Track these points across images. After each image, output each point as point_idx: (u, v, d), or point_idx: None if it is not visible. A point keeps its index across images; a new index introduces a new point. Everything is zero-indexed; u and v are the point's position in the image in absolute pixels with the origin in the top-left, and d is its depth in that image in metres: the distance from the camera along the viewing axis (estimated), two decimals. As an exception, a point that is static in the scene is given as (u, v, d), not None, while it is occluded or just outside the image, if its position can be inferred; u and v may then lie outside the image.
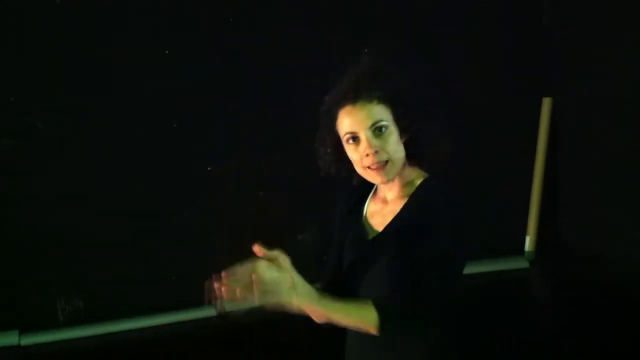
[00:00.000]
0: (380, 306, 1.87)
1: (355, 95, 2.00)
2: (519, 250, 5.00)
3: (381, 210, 2.08)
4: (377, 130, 1.99)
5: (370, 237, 2.06)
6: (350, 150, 2.03)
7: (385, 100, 2.00)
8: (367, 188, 2.15)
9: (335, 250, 2.18)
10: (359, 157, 2.00)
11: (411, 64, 2.08)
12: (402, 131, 2.02)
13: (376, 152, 1.97)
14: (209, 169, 4.34)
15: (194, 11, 4.19)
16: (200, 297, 4.26)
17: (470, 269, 4.70)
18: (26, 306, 4.20)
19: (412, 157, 2.05)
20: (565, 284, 4.70)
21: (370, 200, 2.14)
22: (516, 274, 4.86)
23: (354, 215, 2.14)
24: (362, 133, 1.99)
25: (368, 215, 2.11)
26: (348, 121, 2.01)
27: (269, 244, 4.10)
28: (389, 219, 2.04)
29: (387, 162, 1.99)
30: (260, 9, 4.29)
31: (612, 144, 4.70)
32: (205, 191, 4.35)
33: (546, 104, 4.93)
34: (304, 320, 1.93)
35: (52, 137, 4.10)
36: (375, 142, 1.98)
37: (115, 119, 4.16)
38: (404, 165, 2.05)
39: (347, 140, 2.02)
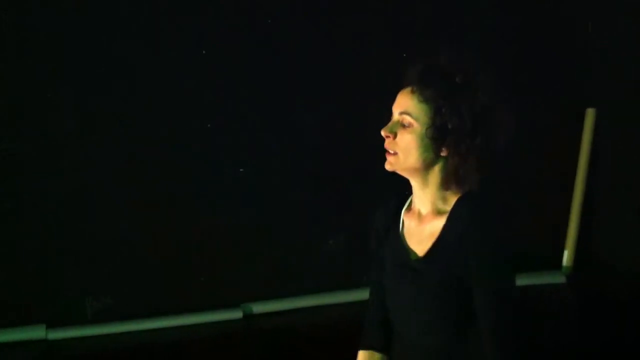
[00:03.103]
0: None
1: (413, 80, 1.93)
2: (557, 264, 4.91)
3: (417, 228, 1.98)
4: (402, 121, 1.93)
5: (412, 257, 1.97)
6: None
7: (431, 102, 1.91)
8: (400, 200, 2.07)
9: (377, 268, 2.08)
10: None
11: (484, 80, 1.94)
12: (435, 141, 1.91)
13: (388, 137, 1.93)
14: (240, 170, 4.31)
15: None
16: (228, 299, 4.31)
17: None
18: (55, 302, 4.19)
19: (447, 174, 1.94)
20: (602, 300, 4.60)
21: (404, 214, 2.04)
22: (553, 288, 4.76)
23: (392, 232, 2.04)
24: (394, 116, 1.95)
25: (405, 232, 2.01)
26: (396, 99, 1.96)
27: (298, 249, 4.11)
28: (428, 240, 1.95)
29: (395, 155, 1.93)
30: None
31: None
32: (234, 192, 4.31)
33: (589, 115, 4.85)
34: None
35: (80, 138, 4.09)
36: (395, 128, 1.93)
37: (140, 121, 4.15)
38: (431, 175, 1.95)
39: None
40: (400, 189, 2.05)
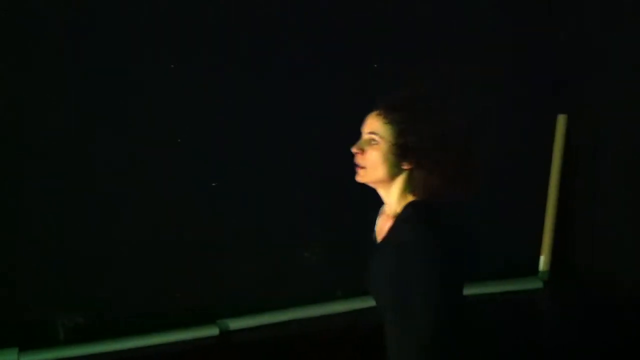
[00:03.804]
0: None
1: (381, 106, 2.27)
2: (533, 270, 4.94)
3: (383, 225, 2.31)
4: (369, 140, 2.25)
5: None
6: None
7: (394, 125, 2.22)
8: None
9: None
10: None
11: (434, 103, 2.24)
12: (398, 157, 2.22)
13: (357, 153, 2.25)
14: (213, 184, 4.28)
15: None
16: (204, 315, 4.26)
17: (484, 289, 4.63)
18: (26, 323, 4.11)
19: (408, 185, 2.25)
20: (578, 304, 4.63)
21: (379, 217, 2.37)
22: (530, 294, 4.79)
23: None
24: (364, 134, 2.27)
25: (377, 228, 2.36)
26: (365, 121, 2.29)
27: (273, 263, 4.05)
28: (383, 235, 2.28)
29: (364, 168, 2.25)
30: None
31: (629, 164, 4.66)
32: (207, 208, 4.27)
33: (561, 121, 4.89)
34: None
35: (54, 146, 4.02)
36: (363, 145, 2.25)
37: (126, 130, 4.10)
38: (400, 187, 2.24)
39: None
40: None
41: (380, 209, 2.37)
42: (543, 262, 4.94)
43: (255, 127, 4.28)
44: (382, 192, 2.28)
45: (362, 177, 2.26)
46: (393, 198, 2.26)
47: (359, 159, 2.23)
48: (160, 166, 4.16)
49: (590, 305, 4.56)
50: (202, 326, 4.26)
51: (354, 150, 2.23)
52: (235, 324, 4.35)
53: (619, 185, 4.75)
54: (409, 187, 2.24)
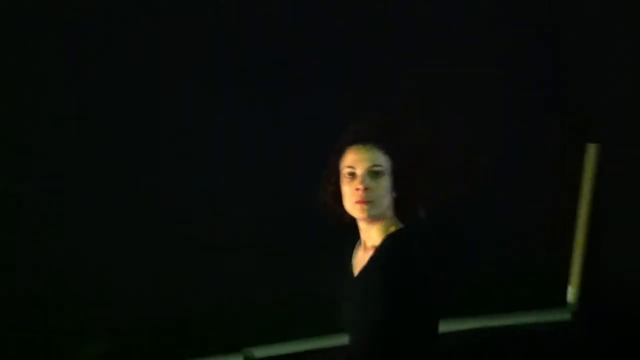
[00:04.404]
0: None
1: (365, 138, 2.29)
2: (562, 301, 4.88)
3: (361, 258, 2.33)
4: (374, 173, 2.25)
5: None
6: (345, 184, 2.29)
7: (389, 152, 2.28)
8: (354, 241, 2.41)
9: None
10: (351, 191, 2.26)
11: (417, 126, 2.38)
12: (395, 185, 2.28)
13: (366, 189, 2.23)
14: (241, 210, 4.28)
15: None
16: (229, 343, 4.25)
17: (512, 320, 4.58)
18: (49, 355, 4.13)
19: (397, 211, 2.30)
20: (608, 337, 4.57)
21: (357, 248, 2.41)
22: (558, 326, 4.73)
23: (347, 266, 2.40)
24: (360, 170, 2.26)
25: (357, 261, 2.37)
26: (352, 157, 2.28)
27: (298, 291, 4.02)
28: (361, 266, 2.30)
29: (372, 202, 2.23)
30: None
31: None
32: (233, 233, 4.27)
33: (591, 150, 4.86)
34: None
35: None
36: (368, 181, 2.23)
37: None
38: (388, 215, 2.29)
39: (346, 175, 2.28)
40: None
41: (356, 246, 2.37)
42: (571, 293, 4.90)
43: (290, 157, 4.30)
44: (369, 225, 2.28)
45: (370, 210, 2.23)
46: (378, 227, 2.27)
47: (365, 195, 2.21)
48: (183, 197, 4.18)
49: (620, 338, 4.51)
50: (227, 354, 4.28)
51: (362, 186, 2.21)
52: (261, 352, 4.36)
53: None
54: (395, 213, 2.29)
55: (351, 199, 2.25)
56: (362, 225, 2.31)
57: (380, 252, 2.22)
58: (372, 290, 2.18)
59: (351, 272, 2.35)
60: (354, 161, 2.26)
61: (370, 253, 2.27)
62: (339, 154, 2.32)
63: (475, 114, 4.46)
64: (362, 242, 2.36)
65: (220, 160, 4.22)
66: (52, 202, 3.97)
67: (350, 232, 2.33)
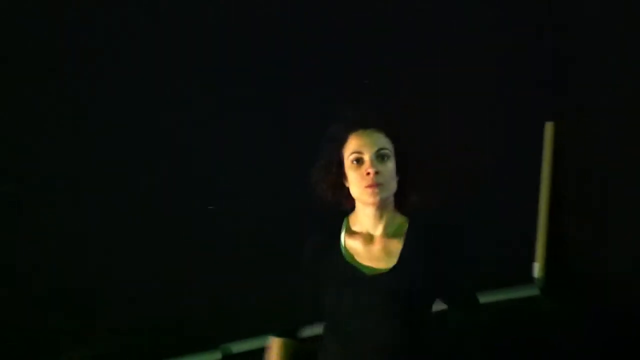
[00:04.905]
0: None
1: (366, 123, 2.29)
2: (528, 277, 4.95)
3: (368, 248, 2.31)
4: (381, 156, 2.27)
5: (368, 272, 2.28)
6: (352, 170, 2.28)
7: (390, 135, 2.29)
8: (331, 232, 2.37)
9: (311, 286, 2.40)
10: (360, 176, 2.24)
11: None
12: (398, 169, 2.31)
13: (376, 172, 2.22)
14: (210, 207, 4.28)
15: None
16: (206, 340, 4.24)
17: (480, 299, 4.63)
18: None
19: (398, 198, 2.32)
20: (576, 310, 4.62)
21: (347, 240, 2.35)
22: (526, 302, 4.77)
23: (332, 257, 2.34)
24: (367, 155, 2.26)
25: (355, 256, 2.31)
26: (356, 143, 2.29)
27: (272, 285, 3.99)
28: (388, 256, 2.28)
29: (382, 184, 2.23)
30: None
31: (620, 167, 4.67)
32: (209, 229, 4.27)
33: (549, 128, 4.90)
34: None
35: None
36: (377, 164, 2.24)
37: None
38: (392, 202, 2.31)
39: (352, 161, 2.28)
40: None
41: (318, 238, 2.36)
42: (538, 268, 4.97)
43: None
44: (376, 209, 2.27)
45: (381, 193, 2.23)
46: (387, 214, 2.28)
47: (376, 178, 2.21)
48: (160, 192, 4.15)
49: (587, 310, 4.56)
50: (205, 352, 4.28)
51: (371, 170, 2.21)
52: (238, 347, 4.36)
53: (610, 189, 4.77)
54: (398, 200, 2.31)
55: (361, 184, 2.24)
56: (368, 212, 2.29)
57: (428, 237, 2.27)
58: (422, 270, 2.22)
59: (345, 269, 2.30)
60: (360, 146, 2.25)
61: (388, 244, 2.26)
62: (340, 141, 2.31)
63: (439, 96, 4.48)
64: (356, 233, 2.32)
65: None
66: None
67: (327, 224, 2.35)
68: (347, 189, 2.31)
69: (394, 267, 2.27)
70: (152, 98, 4.03)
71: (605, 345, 4.26)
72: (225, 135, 4.22)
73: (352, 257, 2.32)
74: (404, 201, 2.33)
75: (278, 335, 2.33)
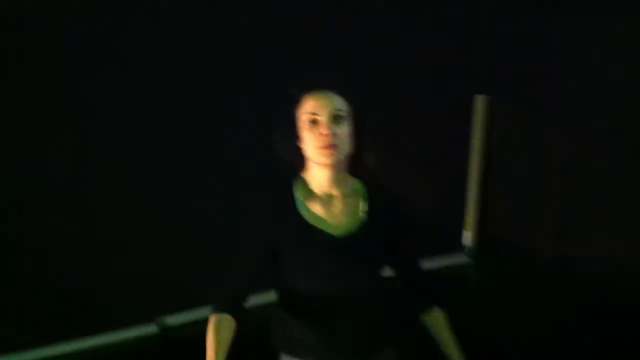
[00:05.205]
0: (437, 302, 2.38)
1: (322, 84, 2.24)
2: (459, 246, 5.06)
3: (330, 209, 2.27)
4: (336, 118, 2.20)
5: (338, 234, 2.25)
6: (308, 131, 2.22)
7: (346, 96, 2.24)
8: (284, 195, 2.31)
9: (266, 257, 2.28)
10: (315, 137, 2.20)
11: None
12: (353, 131, 2.24)
13: (332, 134, 2.17)
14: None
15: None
16: (142, 314, 4.21)
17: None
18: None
19: (351, 160, 2.27)
20: (505, 277, 4.77)
21: (306, 202, 2.28)
22: (457, 269, 4.92)
23: (291, 221, 2.27)
24: (323, 116, 2.20)
25: (321, 215, 2.27)
26: (312, 104, 2.22)
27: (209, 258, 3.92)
28: (352, 215, 2.27)
29: (337, 146, 2.19)
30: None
31: (547, 139, 4.78)
32: (143, 203, 4.20)
33: (480, 101, 4.98)
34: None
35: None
36: (332, 126, 2.19)
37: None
38: (345, 164, 2.26)
39: (308, 122, 2.21)
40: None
41: (272, 202, 2.29)
42: (468, 238, 5.07)
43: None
44: (334, 170, 2.24)
45: (335, 155, 2.20)
46: (343, 175, 2.26)
47: (331, 139, 2.17)
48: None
49: (515, 277, 4.73)
50: (140, 325, 4.29)
51: (327, 132, 2.17)
52: (174, 319, 4.36)
53: (536, 160, 4.87)
54: (351, 161, 2.26)
55: (315, 145, 2.21)
56: (323, 174, 2.27)
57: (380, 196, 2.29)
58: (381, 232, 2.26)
59: (309, 232, 2.25)
60: (316, 107, 2.22)
61: (350, 202, 2.27)
62: (296, 103, 2.26)
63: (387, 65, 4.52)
64: (314, 195, 2.29)
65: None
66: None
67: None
68: (301, 150, 2.26)
69: (363, 225, 2.26)
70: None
71: (534, 308, 4.40)
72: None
73: (315, 219, 2.27)
74: (358, 163, 2.29)
75: (217, 310, 2.26)
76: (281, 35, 4.15)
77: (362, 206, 2.28)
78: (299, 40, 4.15)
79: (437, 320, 2.39)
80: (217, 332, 2.18)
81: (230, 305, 2.24)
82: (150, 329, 4.32)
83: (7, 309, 4.00)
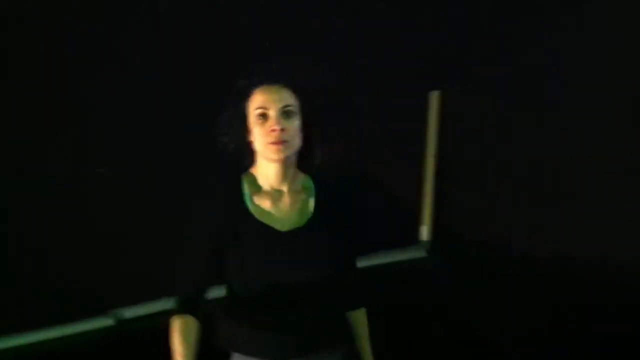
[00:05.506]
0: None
1: (272, 79, 2.22)
2: (415, 240, 5.07)
3: (278, 205, 2.25)
4: (286, 113, 2.18)
5: (284, 229, 2.23)
6: (257, 125, 2.20)
7: (296, 91, 2.22)
8: (232, 192, 2.29)
9: (209, 255, 2.26)
10: (265, 132, 2.17)
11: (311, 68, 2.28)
12: (303, 126, 2.22)
13: (282, 129, 2.15)
14: (100, 170, 4.12)
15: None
16: (97, 306, 4.14)
17: (369, 261, 4.57)
18: None
19: (301, 155, 2.26)
20: (462, 271, 4.79)
21: (255, 198, 2.26)
22: (414, 263, 4.93)
23: (241, 217, 2.25)
24: (273, 111, 2.18)
25: (264, 212, 2.24)
26: (262, 98, 2.20)
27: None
28: (300, 211, 2.25)
29: (287, 142, 2.17)
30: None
31: (501, 132, 4.83)
32: (96, 194, 4.15)
33: (434, 97, 5.02)
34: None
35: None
36: (282, 121, 2.16)
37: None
38: (295, 159, 2.25)
39: (257, 116, 2.20)
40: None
41: (221, 199, 2.25)
42: (425, 232, 5.09)
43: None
44: (282, 165, 2.21)
45: (286, 151, 2.17)
46: (291, 171, 2.23)
47: (281, 135, 2.14)
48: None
49: (473, 270, 4.75)
50: (97, 317, 4.21)
51: (277, 127, 2.13)
52: (131, 312, 4.31)
53: (491, 154, 4.91)
54: (300, 157, 2.24)
55: (265, 140, 2.17)
56: (272, 169, 2.22)
57: (336, 196, 2.27)
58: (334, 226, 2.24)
59: (258, 228, 2.21)
60: (266, 101, 2.18)
61: (296, 198, 2.24)
62: (245, 96, 2.22)
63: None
64: (263, 191, 2.25)
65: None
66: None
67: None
68: (250, 144, 2.23)
69: (310, 220, 2.23)
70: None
71: (493, 302, 4.47)
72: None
73: (262, 213, 2.24)
74: (308, 158, 2.28)
75: (178, 310, 2.28)
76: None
77: (311, 202, 2.26)
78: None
79: (357, 318, 2.39)
80: (184, 337, 2.15)
81: (191, 305, 2.23)
82: (106, 322, 4.26)
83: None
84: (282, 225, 2.22)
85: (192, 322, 2.21)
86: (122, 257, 4.23)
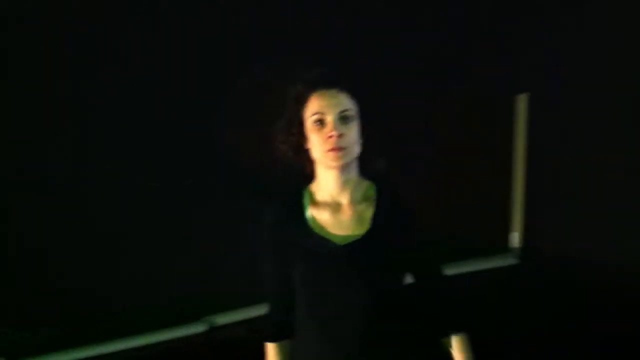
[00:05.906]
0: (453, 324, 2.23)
1: (329, 83, 2.12)
2: (506, 247, 4.96)
3: (337, 216, 2.15)
4: (344, 118, 2.10)
5: (341, 242, 2.13)
6: (314, 132, 2.12)
7: (354, 96, 2.12)
8: (291, 200, 2.22)
9: (279, 265, 2.20)
10: (322, 139, 2.09)
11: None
12: (362, 131, 2.14)
13: (340, 135, 2.06)
14: (189, 181, 4.17)
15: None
16: (191, 313, 4.08)
17: (458, 269, 4.54)
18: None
19: (362, 162, 2.17)
20: (553, 280, 4.67)
21: (311, 209, 2.18)
22: (505, 271, 4.79)
23: (296, 228, 2.18)
24: (330, 116, 2.09)
25: (324, 226, 2.16)
26: (319, 103, 2.10)
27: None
28: (360, 223, 2.14)
29: (345, 148, 2.08)
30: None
31: (593, 139, 4.69)
32: (188, 204, 4.19)
33: (522, 100, 4.87)
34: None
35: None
36: (340, 127, 2.07)
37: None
38: (356, 166, 2.16)
39: (314, 122, 2.11)
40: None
41: (279, 207, 2.18)
42: (515, 239, 4.96)
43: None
44: (341, 174, 2.12)
45: (345, 158, 2.08)
46: (352, 180, 2.13)
47: (339, 142, 2.05)
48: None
49: (563, 280, 4.63)
50: (190, 323, 4.19)
51: (335, 133, 2.04)
52: (223, 319, 4.27)
53: (584, 160, 4.78)
54: (361, 164, 2.16)
55: (323, 147, 2.09)
56: (332, 177, 2.14)
57: (397, 204, 2.15)
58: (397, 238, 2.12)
59: (312, 241, 2.14)
60: (322, 107, 2.09)
61: (355, 209, 2.14)
62: (301, 101, 2.13)
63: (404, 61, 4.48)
64: (320, 201, 2.17)
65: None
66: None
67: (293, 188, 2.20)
68: (309, 151, 2.15)
69: (367, 232, 2.13)
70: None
71: (580, 313, 4.34)
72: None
73: (320, 227, 2.15)
74: (369, 165, 2.19)
75: (272, 337, 2.24)
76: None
77: (370, 211, 2.16)
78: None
79: (456, 344, 2.25)
80: None
81: (282, 327, 2.24)
82: (199, 327, 4.24)
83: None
84: (341, 238, 2.14)
85: (285, 348, 2.24)
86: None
